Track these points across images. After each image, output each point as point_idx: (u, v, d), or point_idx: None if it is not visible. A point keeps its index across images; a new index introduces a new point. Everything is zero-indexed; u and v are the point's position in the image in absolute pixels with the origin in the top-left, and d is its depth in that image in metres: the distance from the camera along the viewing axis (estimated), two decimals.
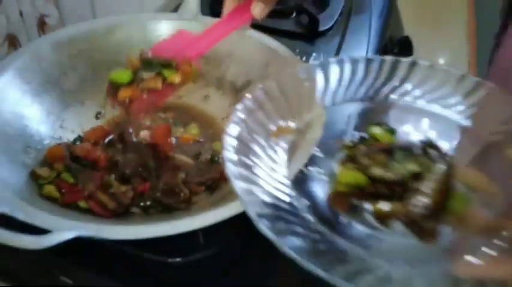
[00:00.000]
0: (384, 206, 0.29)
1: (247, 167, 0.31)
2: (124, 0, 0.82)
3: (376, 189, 0.29)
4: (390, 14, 1.00)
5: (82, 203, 0.41)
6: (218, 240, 0.44)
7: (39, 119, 0.50)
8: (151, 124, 0.52)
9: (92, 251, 0.41)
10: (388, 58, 0.39)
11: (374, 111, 0.37)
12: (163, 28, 0.62)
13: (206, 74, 0.59)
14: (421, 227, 0.28)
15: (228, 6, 0.46)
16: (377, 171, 0.30)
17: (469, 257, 0.26)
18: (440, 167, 0.30)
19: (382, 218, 0.29)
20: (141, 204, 0.43)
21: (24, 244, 0.30)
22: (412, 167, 0.30)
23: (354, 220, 0.30)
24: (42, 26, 0.67)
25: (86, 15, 0.74)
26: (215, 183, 0.47)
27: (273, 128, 0.35)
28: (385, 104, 0.37)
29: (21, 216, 0.33)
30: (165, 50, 0.46)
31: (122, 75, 0.45)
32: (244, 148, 0.32)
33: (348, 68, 0.39)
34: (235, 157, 0.30)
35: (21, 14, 0.63)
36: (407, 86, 0.38)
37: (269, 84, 0.37)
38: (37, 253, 0.41)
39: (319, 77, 0.39)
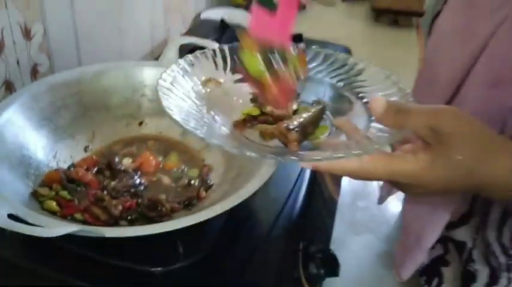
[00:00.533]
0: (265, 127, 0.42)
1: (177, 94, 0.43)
2: (106, 51, 0.92)
3: (265, 119, 0.43)
4: None
5: (78, 216, 0.47)
6: (198, 249, 0.51)
7: (36, 150, 0.57)
8: (136, 152, 0.60)
9: (75, 261, 0.47)
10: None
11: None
12: (145, 74, 0.71)
13: None
14: (287, 138, 0.40)
15: None
16: (268, 108, 0.44)
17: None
18: (316, 109, 0.44)
19: (263, 134, 0.42)
20: (128, 217, 0.50)
21: (39, 233, 0.36)
22: (293, 106, 0.44)
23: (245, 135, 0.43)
24: (35, 73, 0.75)
25: (72, 64, 0.83)
26: (191, 202, 0.54)
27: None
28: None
29: (30, 220, 0.40)
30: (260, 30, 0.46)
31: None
32: (176, 82, 0.45)
33: None
34: (168, 85, 0.43)
35: (18, 62, 0.71)
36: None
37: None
38: (19, 262, 0.47)
39: None
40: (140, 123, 0.69)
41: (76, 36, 0.82)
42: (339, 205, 0.89)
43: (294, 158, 0.38)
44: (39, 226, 0.39)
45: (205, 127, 0.41)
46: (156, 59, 0.75)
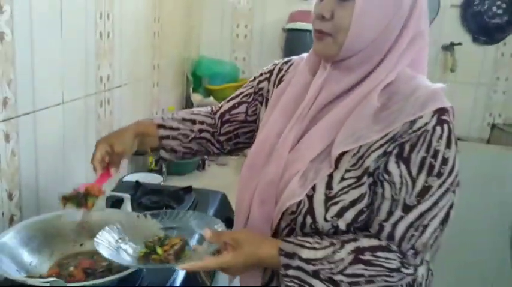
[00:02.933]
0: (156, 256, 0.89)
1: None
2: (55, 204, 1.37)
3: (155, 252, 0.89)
4: (224, 210, 1.66)
5: None
6: None
7: (22, 260, 1.00)
8: (79, 259, 1.05)
9: None
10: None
11: None
12: (95, 215, 1.17)
13: None
14: (168, 260, 0.87)
15: (99, 169, 1.04)
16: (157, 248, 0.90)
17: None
18: (182, 242, 0.91)
19: (155, 260, 0.88)
20: None
21: (35, 282, 0.79)
22: (169, 241, 0.92)
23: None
24: (11, 221, 1.19)
25: (33, 212, 1.26)
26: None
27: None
28: None
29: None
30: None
31: None
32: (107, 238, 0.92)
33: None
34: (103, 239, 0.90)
35: (2, 214, 1.15)
36: None
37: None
38: None
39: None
40: (81, 245, 1.13)
41: (37, 195, 1.28)
42: None
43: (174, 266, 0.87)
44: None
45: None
46: None
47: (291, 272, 0.85)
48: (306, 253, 0.85)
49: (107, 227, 0.96)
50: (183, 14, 2.53)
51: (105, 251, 0.89)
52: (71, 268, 1.03)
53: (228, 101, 1.18)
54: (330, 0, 0.87)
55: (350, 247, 0.85)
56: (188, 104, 2.64)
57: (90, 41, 1.49)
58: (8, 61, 1.10)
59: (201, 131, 1.17)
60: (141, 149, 1.15)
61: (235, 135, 1.18)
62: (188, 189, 1.64)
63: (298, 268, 0.85)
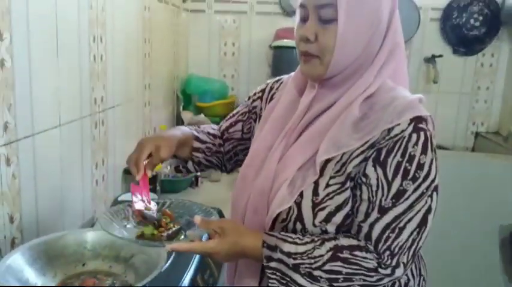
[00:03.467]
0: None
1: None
2: (54, 227, 1.38)
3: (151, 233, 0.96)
4: None
5: None
6: None
7: (28, 279, 1.01)
8: (84, 278, 1.06)
9: None
10: None
11: None
12: (84, 236, 1.19)
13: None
14: (161, 240, 0.93)
15: (142, 170, 1.03)
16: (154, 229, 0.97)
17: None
18: (177, 228, 0.98)
19: (150, 239, 0.95)
20: None
21: None
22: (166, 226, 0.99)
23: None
24: (12, 243, 1.20)
25: (33, 235, 1.28)
26: None
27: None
28: None
29: None
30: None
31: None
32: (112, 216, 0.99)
33: None
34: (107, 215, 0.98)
35: (5, 237, 1.17)
36: None
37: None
38: None
39: None
40: (83, 265, 1.15)
41: (37, 217, 1.30)
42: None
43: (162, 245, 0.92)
44: None
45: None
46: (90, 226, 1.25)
47: (272, 264, 0.89)
48: (287, 247, 0.89)
49: (115, 207, 1.06)
50: (171, 34, 2.58)
51: (103, 223, 0.98)
52: None
53: (227, 120, 1.23)
54: (313, 23, 0.92)
55: (330, 244, 0.89)
56: (179, 122, 2.67)
57: (84, 64, 1.53)
58: (8, 87, 1.13)
59: (220, 145, 1.22)
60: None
61: (234, 154, 1.23)
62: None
63: (280, 261, 0.89)
